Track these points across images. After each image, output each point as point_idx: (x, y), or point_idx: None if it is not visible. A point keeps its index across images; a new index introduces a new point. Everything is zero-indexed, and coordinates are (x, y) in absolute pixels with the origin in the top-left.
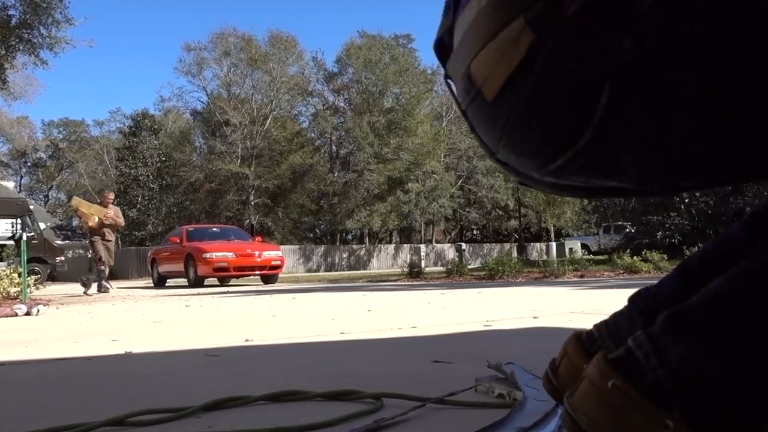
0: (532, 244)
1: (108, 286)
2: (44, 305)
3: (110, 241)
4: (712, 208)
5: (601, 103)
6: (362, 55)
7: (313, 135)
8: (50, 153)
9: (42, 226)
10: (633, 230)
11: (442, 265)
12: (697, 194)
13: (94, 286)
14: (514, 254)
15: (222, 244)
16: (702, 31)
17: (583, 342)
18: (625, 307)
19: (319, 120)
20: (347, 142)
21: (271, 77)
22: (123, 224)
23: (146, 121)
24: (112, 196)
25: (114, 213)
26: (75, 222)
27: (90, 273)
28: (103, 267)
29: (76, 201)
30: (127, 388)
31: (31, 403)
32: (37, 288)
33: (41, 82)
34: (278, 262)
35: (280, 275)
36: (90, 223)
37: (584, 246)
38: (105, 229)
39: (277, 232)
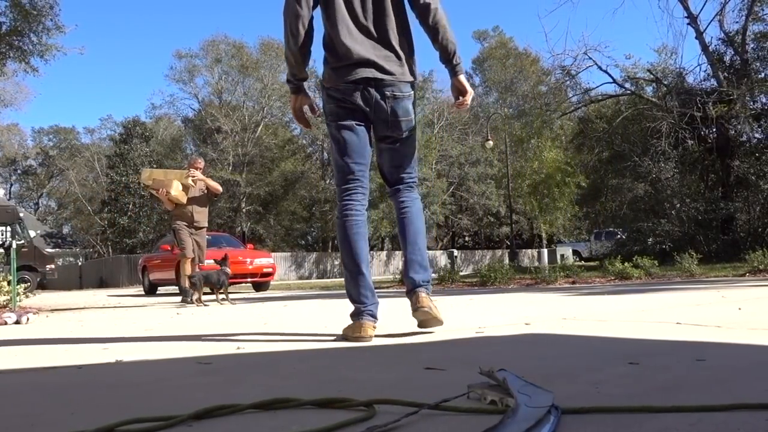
0: (523, 250)
1: (192, 295)
2: (34, 314)
3: (202, 228)
4: (702, 214)
5: None
6: None
7: (304, 142)
8: (40, 160)
9: (32, 233)
10: (624, 236)
11: (434, 272)
12: (687, 200)
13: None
14: (506, 261)
15: (213, 252)
16: None
17: None
18: None
19: None
20: None
21: (262, 84)
22: (220, 191)
23: (137, 128)
24: (201, 163)
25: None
26: (66, 230)
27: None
28: (191, 279)
29: (146, 172)
30: (117, 397)
31: (21, 413)
32: (27, 296)
33: (31, 89)
34: (270, 270)
35: (271, 282)
36: (174, 193)
37: (575, 252)
38: (193, 208)
39: (268, 239)
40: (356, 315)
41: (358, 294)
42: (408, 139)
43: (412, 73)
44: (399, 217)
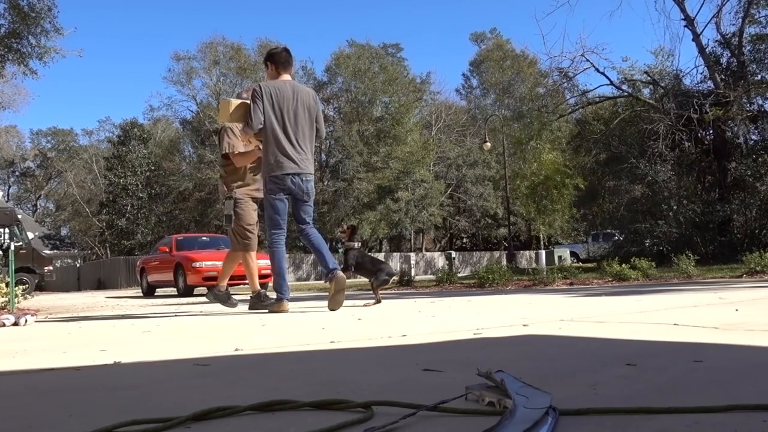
0: (521, 252)
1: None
2: (32, 315)
3: (258, 199)
4: (699, 216)
5: None
6: (351, 65)
7: None
8: (39, 162)
9: (30, 235)
10: (621, 238)
11: (432, 274)
12: (684, 202)
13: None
14: (504, 262)
15: (212, 253)
16: None
17: None
18: None
19: None
20: (336, 151)
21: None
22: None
23: (135, 130)
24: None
25: None
26: (64, 231)
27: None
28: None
29: (226, 104)
30: (115, 399)
31: (19, 415)
32: (25, 298)
33: (30, 91)
34: (268, 271)
35: (269, 284)
36: (243, 142)
37: (573, 254)
38: (252, 172)
39: (266, 241)
40: (280, 300)
41: (281, 288)
42: (311, 201)
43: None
44: (312, 240)
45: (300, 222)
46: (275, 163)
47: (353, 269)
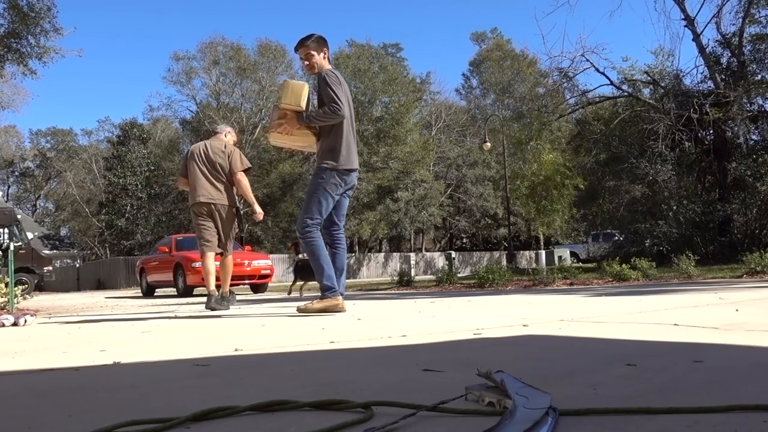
0: (521, 252)
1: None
2: (31, 315)
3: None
4: (700, 216)
5: None
6: (351, 64)
7: None
8: (38, 162)
9: (29, 235)
10: (621, 238)
11: (431, 274)
12: (684, 202)
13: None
14: (504, 262)
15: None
16: None
17: None
18: None
19: None
20: None
21: (260, 86)
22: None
23: (135, 130)
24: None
25: None
26: (63, 231)
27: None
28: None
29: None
30: (115, 399)
31: (18, 415)
32: (25, 298)
33: (29, 91)
34: (268, 272)
35: (269, 284)
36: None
37: (573, 254)
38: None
39: (266, 241)
40: (335, 294)
41: (333, 280)
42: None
43: None
44: (339, 255)
45: (339, 218)
46: (347, 155)
47: (301, 278)
